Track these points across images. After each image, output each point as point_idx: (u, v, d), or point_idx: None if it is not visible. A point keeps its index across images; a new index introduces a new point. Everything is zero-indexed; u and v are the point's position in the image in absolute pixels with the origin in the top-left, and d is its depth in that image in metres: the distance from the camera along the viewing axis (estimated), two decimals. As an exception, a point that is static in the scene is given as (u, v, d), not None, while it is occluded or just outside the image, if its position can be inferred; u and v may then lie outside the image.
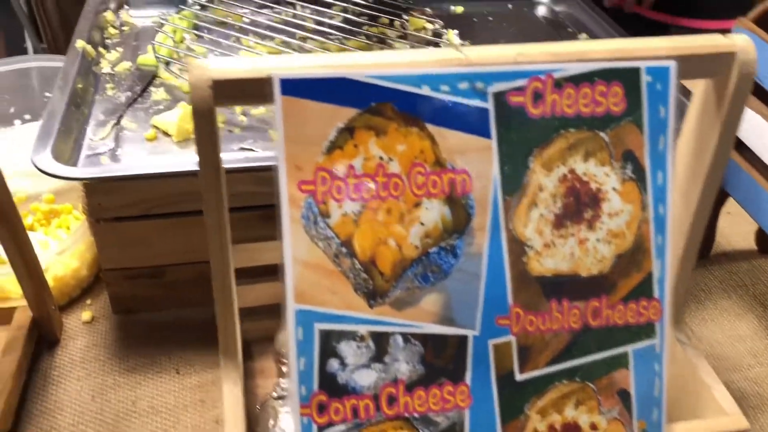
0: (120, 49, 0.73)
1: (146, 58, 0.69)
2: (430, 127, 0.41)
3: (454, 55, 0.41)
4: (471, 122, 0.41)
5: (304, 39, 0.75)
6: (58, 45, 2.60)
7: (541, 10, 0.88)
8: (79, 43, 0.68)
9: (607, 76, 0.42)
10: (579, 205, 0.43)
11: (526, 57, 0.41)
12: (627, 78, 0.43)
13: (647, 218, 0.44)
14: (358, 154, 0.40)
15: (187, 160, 0.58)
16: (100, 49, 0.72)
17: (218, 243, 0.43)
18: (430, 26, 0.80)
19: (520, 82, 0.41)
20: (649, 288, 0.45)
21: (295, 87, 0.39)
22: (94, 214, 0.58)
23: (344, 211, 0.40)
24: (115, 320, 0.64)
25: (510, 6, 0.88)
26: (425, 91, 0.40)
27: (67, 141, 0.57)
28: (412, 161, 0.41)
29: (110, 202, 0.57)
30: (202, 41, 0.73)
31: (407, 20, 0.81)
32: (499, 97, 0.41)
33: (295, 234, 0.40)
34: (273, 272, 0.63)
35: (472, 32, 0.80)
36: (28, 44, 2.23)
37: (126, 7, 0.80)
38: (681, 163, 0.49)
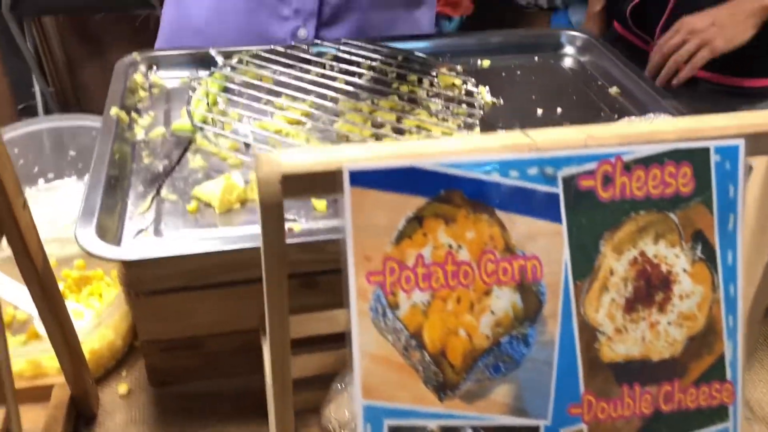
0: (152, 113, 0.73)
1: (181, 124, 0.69)
2: (500, 214, 0.40)
3: (522, 140, 0.40)
4: (541, 207, 0.40)
5: (335, 100, 0.75)
6: (64, 87, 2.61)
7: (568, 62, 0.88)
8: (113, 111, 0.68)
9: (677, 157, 0.41)
10: (650, 288, 0.42)
11: (596, 140, 0.41)
12: (696, 158, 0.42)
13: (718, 299, 0.43)
14: (427, 243, 0.39)
15: (232, 233, 0.57)
16: (133, 115, 0.71)
17: (279, 340, 0.41)
18: (459, 82, 0.79)
19: (589, 166, 0.40)
20: (722, 370, 0.44)
21: (364, 178, 0.38)
22: (131, 287, 0.56)
23: (413, 301, 0.39)
24: (152, 393, 0.63)
25: (536, 58, 0.88)
26: (494, 177, 0.39)
27: (110, 216, 0.56)
28: (481, 248, 0.40)
29: (149, 276, 0.55)
30: (234, 104, 0.73)
31: (436, 77, 0.80)
32: (569, 181, 0.40)
33: (363, 327, 0.39)
34: (315, 343, 0.62)
35: (502, 87, 0.80)
36: (36, 88, 2.24)
37: (155, 68, 0.80)
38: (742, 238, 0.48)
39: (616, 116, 0.76)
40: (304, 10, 0.88)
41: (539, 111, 0.76)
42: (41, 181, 0.91)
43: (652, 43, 1.30)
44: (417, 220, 0.39)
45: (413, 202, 0.39)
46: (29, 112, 2.53)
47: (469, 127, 0.70)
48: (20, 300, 0.66)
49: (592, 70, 0.85)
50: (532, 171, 0.40)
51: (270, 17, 0.89)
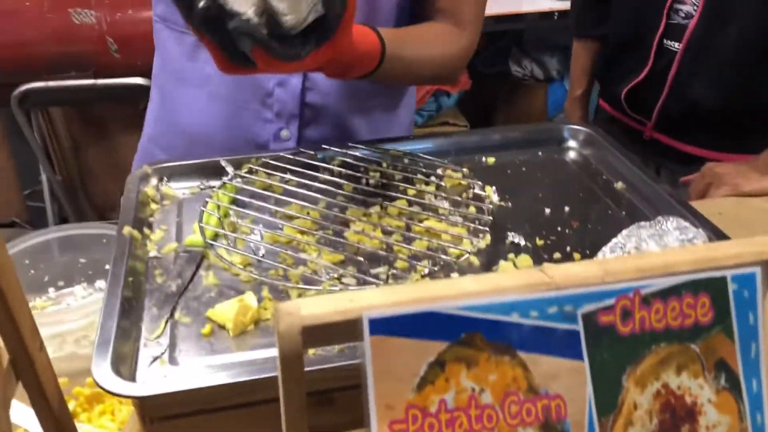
0: (164, 227, 0.74)
1: (193, 239, 0.69)
2: (522, 354, 0.39)
3: (540, 279, 0.40)
4: (562, 346, 0.40)
5: (344, 208, 0.75)
6: (70, 171, 2.64)
7: (572, 155, 0.89)
8: (126, 230, 0.68)
9: (694, 287, 0.42)
10: (675, 420, 0.42)
11: (613, 275, 0.41)
12: (713, 288, 0.42)
13: (746, 428, 0.43)
14: (449, 388, 0.39)
15: (248, 357, 0.56)
16: (145, 230, 0.72)
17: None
18: (466, 183, 0.80)
19: (608, 302, 0.40)
20: (754, 501, 0.43)
21: (384, 325, 0.38)
22: (146, 413, 0.56)
23: (438, 448, 0.39)
24: None
25: (540, 153, 0.89)
26: (514, 318, 0.39)
27: (125, 343, 0.56)
28: (504, 390, 0.39)
29: (165, 405, 0.55)
30: (245, 215, 0.74)
31: (443, 178, 0.81)
32: (589, 318, 0.40)
33: (388, 476, 0.38)
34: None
35: (508, 185, 0.81)
36: (43, 177, 2.27)
37: (165, 179, 0.81)
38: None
39: (623, 213, 0.76)
40: (285, 112, 0.91)
41: (547, 210, 0.76)
42: (51, 289, 0.91)
43: (649, 124, 1.32)
44: (439, 365, 0.39)
45: (434, 347, 0.39)
46: (35, 197, 2.56)
47: (479, 233, 0.70)
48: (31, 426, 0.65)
49: (597, 164, 0.86)
50: (552, 310, 0.40)
51: (254, 120, 0.92)
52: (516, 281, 0.40)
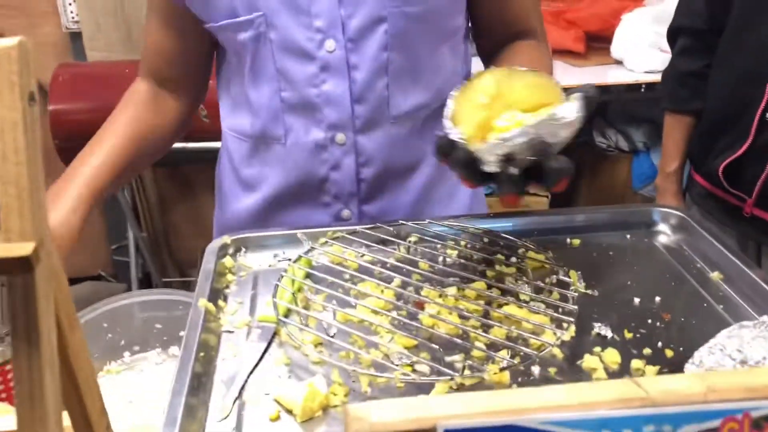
0: (238, 299, 0.73)
1: (266, 316, 0.68)
2: (612, 478, 0.36)
3: (635, 393, 0.36)
4: (659, 472, 0.36)
5: (419, 288, 0.73)
6: (156, 228, 2.73)
7: (662, 240, 0.84)
8: (201, 302, 0.68)
9: (814, 413, 0.37)
10: None
11: (717, 394, 0.36)
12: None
13: None
14: None
15: (313, 448, 0.54)
16: (220, 302, 0.71)
17: None
18: (548, 266, 0.77)
19: (712, 423, 0.36)
20: None
21: (460, 438, 0.35)
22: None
23: None
24: None
25: (628, 236, 0.85)
26: (605, 437, 0.36)
27: (192, 424, 0.55)
28: None
29: (228, 490, 0.53)
30: (319, 291, 0.72)
31: (524, 260, 0.78)
32: (689, 441, 0.36)
33: None
34: None
35: (594, 271, 0.77)
36: (130, 233, 2.35)
37: (243, 250, 0.81)
38: None
39: (721, 307, 0.71)
40: (343, 193, 0.90)
41: (636, 300, 0.72)
42: (126, 353, 0.92)
43: (750, 200, 1.25)
44: (519, 484, 0.35)
45: (514, 466, 0.35)
46: (122, 252, 2.65)
47: (563, 323, 0.66)
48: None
49: (690, 251, 0.81)
50: (648, 429, 0.36)
51: (313, 207, 0.92)
52: (608, 395, 0.37)
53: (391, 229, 0.83)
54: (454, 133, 0.65)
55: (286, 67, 0.84)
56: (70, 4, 2.33)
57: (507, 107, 0.67)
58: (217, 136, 1.97)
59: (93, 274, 2.87)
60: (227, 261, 0.78)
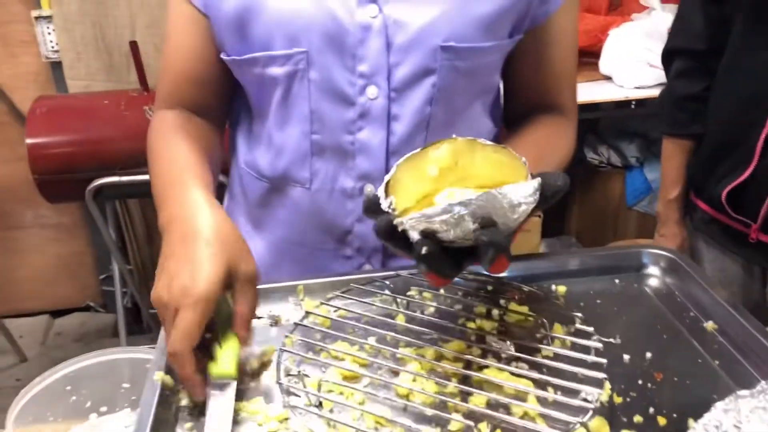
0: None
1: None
2: None
3: None
4: None
5: (396, 343, 0.69)
6: (144, 259, 2.69)
7: (653, 284, 0.80)
8: (158, 376, 0.63)
9: None
10: None
11: None
12: None
13: None
14: None
15: None
16: (181, 372, 0.67)
17: None
18: (532, 320, 0.72)
19: None
20: None
21: None
22: None
23: None
24: None
25: (617, 281, 0.80)
26: None
27: None
28: None
29: None
30: (290, 354, 0.68)
31: (506, 311, 0.74)
32: None
33: None
34: None
35: (582, 320, 0.72)
36: (114, 266, 2.31)
37: (209, 308, 0.76)
38: None
39: (717, 363, 0.66)
40: (367, 247, 0.85)
41: (626, 357, 0.67)
42: (93, 416, 0.87)
43: (755, 225, 1.21)
44: None
45: None
46: (111, 282, 2.60)
47: (546, 386, 0.62)
48: None
49: (682, 297, 0.76)
50: None
51: (333, 259, 0.86)
52: None
53: (370, 280, 0.78)
54: (384, 203, 0.60)
55: (321, 109, 0.79)
56: (49, 33, 2.30)
57: (461, 181, 0.63)
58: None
59: (81, 305, 2.83)
60: (192, 321, 0.74)
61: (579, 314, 0.72)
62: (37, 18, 2.28)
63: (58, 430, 0.85)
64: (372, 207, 0.61)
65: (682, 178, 1.37)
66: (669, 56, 1.36)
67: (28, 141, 1.84)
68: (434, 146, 0.64)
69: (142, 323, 2.67)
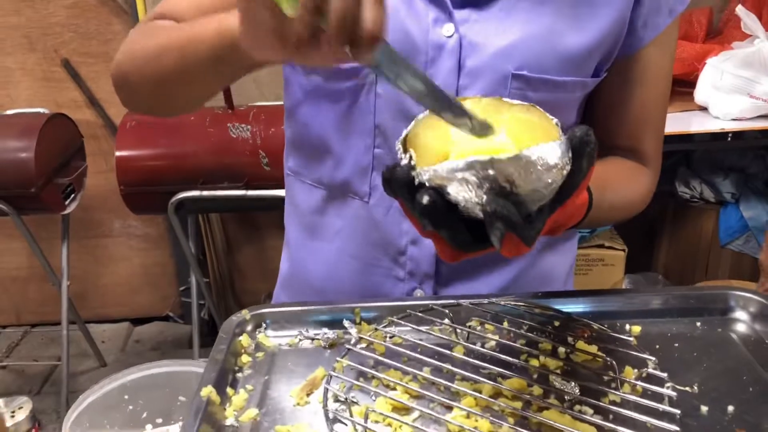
0: (249, 387, 0.67)
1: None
2: None
3: None
4: None
5: (452, 376, 0.65)
6: (222, 272, 2.74)
7: (740, 330, 0.73)
8: (205, 391, 0.62)
9: None
10: None
11: None
12: None
13: None
14: None
15: None
16: (228, 390, 0.65)
17: None
18: (600, 359, 0.67)
19: None
20: None
21: None
22: None
23: None
24: None
25: (699, 324, 0.74)
26: None
27: None
28: None
29: None
30: (341, 380, 0.65)
31: (573, 350, 0.69)
32: None
33: None
34: None
35: (656, 367, 0.66)
36: (192, 279, 2.36)
37: (264, 325, 0.75)
38: None
39: (809, 423, 0.59)
40: (419, 272, 0.82)
41: (704, 409, 0.61)
42: (149, 426, 0.87)
43: None
44: None
45: None
46: (189, 293, 2.66)
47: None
48: None
49: (773, 346, 0.69)
50: None
51: (385, 278, 0.83)
52: None
53: (429, 305, 0.75)
54: (404, 158, 0.55)
55: (386, 124, 0.77)
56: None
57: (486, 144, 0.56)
58: (278, 183, 1.96)
59: (161, 314, 2.91)
60: (244, 339, 0.73)
61: (652, 358, 0.66)
62: (135, 37, 2.38)
63: (113, 439, 0.86)
64: (388, 171, 0.54)
65: None
66: None
67: (117, 154, 1.92)
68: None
69: (216, 335, 2.72)
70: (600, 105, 0.82)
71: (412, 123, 0.58)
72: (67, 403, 2.28)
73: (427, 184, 0.53)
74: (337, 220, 0.84)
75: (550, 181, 0.52)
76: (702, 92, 2.09)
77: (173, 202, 1.92)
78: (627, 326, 0.73)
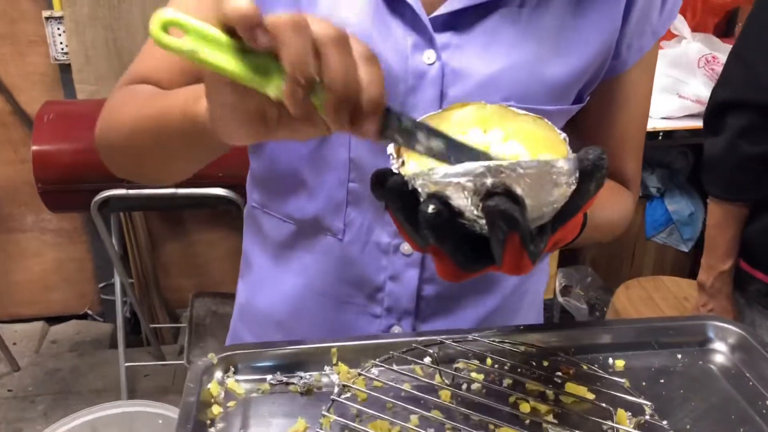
0: (224, 444, 0.61)
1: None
2: None
3: None
4: None
5: (441, 425, 0.62)
6: (145, 270, 2.61)
7: (719, 361, 0.73)
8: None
9: None
10: None
11: None
12: None
13: None
14: None
15: None
16: (201, 450, 0.59)
17: None
18: (590, 401, 0.65)
19: None
20: None
21: None
22: None
23: None
24: None
25: (679, 356, 0.73)
26: None
27: None
28: None
29: None
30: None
31: (561, 389, 0.67)
32: None
33: None
34: None
35: (643, 408, 0.65)
36: (116, 278, 2.23)
37: (232, 370, 0.69)
38: None
39: (802, 467, 0.59)
40: (398, 308, 0.78)
41: (701, 456, 0.60)
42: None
43: None
44: None
45: None
46: (110, 290, 2.53)
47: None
48: None
49: (754, 380, 0.69)
50: None
51: (358, 315, 0.79)
52: None
53: (411, 346, 0.71)
54: (395, 163, 0.51)
55: (362, 158, 0.72)
56: (59, 35, 2.23)
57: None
58: (210, 182, 1.86)
59: (79, 312, 2.75)
60: (213, 387, 0.67)
61: (648, 402, 0.64)
62: (47, 18, 2.21)
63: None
64: (379, 176, 0.50)
65: (737, 248, 1.27)
66: (719, 110, 1.22)
67: (34, 148, 1.77)
68: (458, 108, 0.56)
69: (140, 335, 2.60)
70: (581, 127, 0.80)
71: None
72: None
73: (419, 189, 0.48)
74: (306, 255, 0.79)
75: (552, 199, 0.49)
76: (633, 91, 2.13)
77: (97, 201, 1.80)
78: (610, 360, 0.72)
